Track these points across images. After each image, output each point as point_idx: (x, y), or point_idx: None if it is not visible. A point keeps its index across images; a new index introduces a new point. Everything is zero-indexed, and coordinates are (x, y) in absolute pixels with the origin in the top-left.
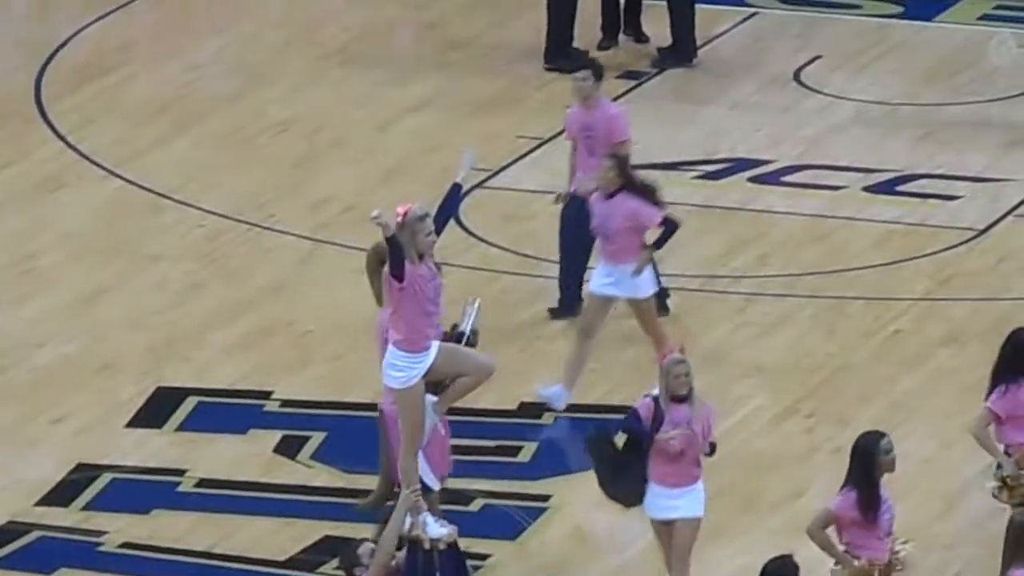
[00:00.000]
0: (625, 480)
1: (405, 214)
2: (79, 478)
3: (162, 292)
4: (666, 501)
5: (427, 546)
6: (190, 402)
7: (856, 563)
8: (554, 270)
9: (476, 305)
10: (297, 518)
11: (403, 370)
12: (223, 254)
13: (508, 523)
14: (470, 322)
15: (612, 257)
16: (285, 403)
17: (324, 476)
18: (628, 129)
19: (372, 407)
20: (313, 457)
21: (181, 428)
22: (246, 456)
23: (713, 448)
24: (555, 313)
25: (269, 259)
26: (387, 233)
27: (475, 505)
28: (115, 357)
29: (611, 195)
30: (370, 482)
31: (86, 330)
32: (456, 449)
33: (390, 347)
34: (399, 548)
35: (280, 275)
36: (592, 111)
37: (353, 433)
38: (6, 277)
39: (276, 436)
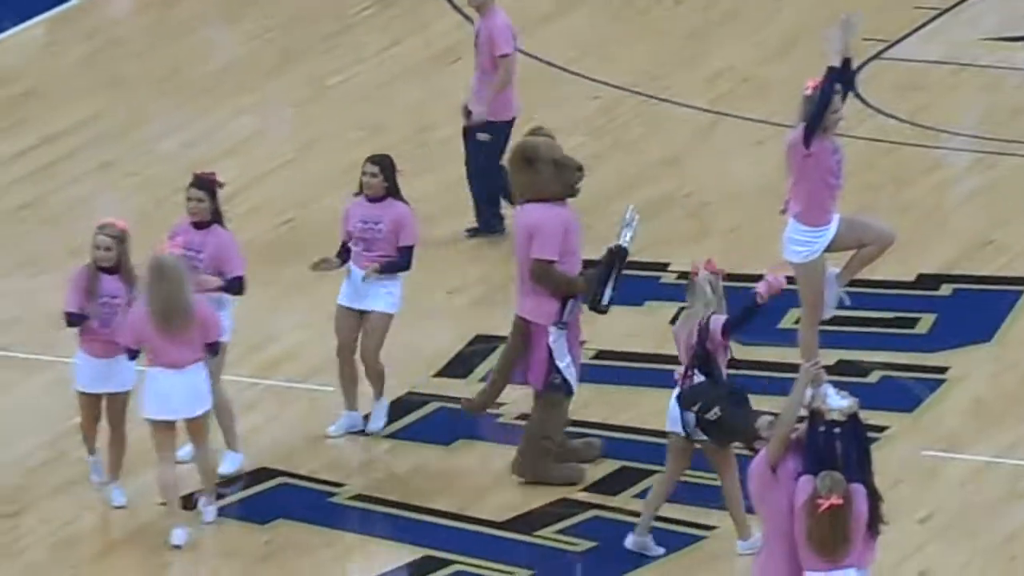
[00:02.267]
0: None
1: (815, 87)
2: (477, 350)
3: None
4: None
5: (828, 418)
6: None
7: None
8: (948, 140)
9: (635, 216)
10: None
11: (805, 244)
12: (619, 126)
13: (906, 395)
14: (630, 234)
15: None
16: (682, 275)
17: None
18: (511, 42)
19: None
20: None
21: None
22: (643, 328)
23: None
24: (473, 232)
25: (665, 131)
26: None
27: (873, 377)
28: (511, 228)
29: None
30: (766, 354)
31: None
32: (854, 320)
33: (791, 221)
34: (799, 421)
35: (676, 147)
36: (483, 19)
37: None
38: (404, 150)
39: (673, 308)
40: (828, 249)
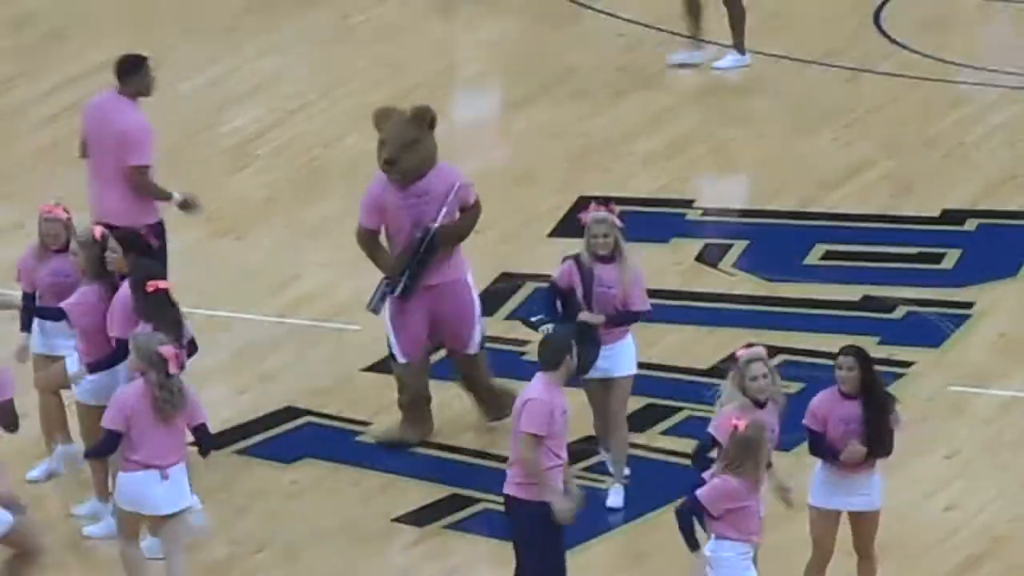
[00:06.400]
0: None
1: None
2: (503, 287)
3: (582, 102)
4: None
5: None
6: None
7: None
8: (972, 75)
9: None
10: (719, 326)
11: None
12: (642, 64)
13: (931, 331)
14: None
15: None
16: (707, 211)
17: (747, 284)
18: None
19: (797, 215)
20: (735, 265)
21: None
22: (668, 265)
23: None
24: None
25: (688, 68)
26: None
27: (898, 312)
28: (534, 167)
29: None
30: (791, 290)
31: (506, 141)
32: (880, 256)
33: None
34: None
35: (700, 83)
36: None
37: (775, 241)
38: (427, 90)
39: (698, 244)
40: None
